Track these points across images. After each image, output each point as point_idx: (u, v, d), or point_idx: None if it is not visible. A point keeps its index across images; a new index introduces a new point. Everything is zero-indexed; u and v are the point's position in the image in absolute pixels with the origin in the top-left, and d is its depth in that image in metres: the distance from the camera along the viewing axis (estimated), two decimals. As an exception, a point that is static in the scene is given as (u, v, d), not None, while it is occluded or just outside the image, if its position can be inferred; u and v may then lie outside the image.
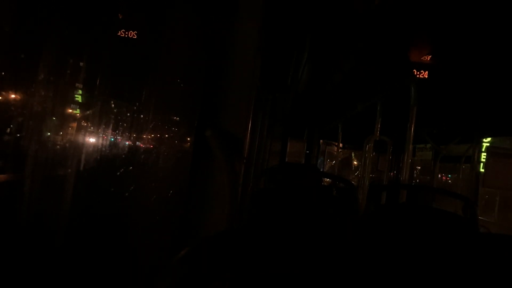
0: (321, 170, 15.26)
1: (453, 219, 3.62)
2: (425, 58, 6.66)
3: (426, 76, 6.66)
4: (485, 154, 9.09)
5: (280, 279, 2.34)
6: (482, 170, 9.01)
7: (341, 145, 13.47)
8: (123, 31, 5.99)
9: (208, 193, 1.75)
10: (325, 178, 9.79)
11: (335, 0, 4.64)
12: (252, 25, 1.89)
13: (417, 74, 6.55)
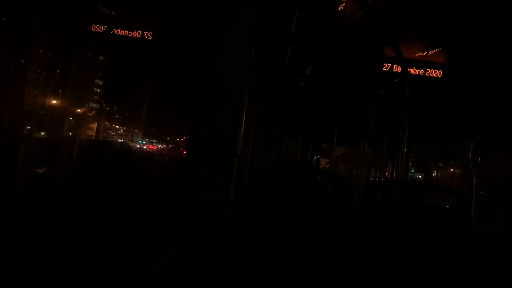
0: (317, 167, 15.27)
1: (448, 216, 3.64)
2: (419, 55, 6.69)
3: (421, 73, 6.69)
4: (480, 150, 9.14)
5: (276, 275, 2.35)
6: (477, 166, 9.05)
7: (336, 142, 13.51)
8: (120, 31, 6.10)
9: (201, 190, 1.75)
10: (320, 176, 9.78)
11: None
12: (246, 24, 1.89)
13: (411, 71, 6.57)
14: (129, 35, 5.69)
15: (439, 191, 5.88)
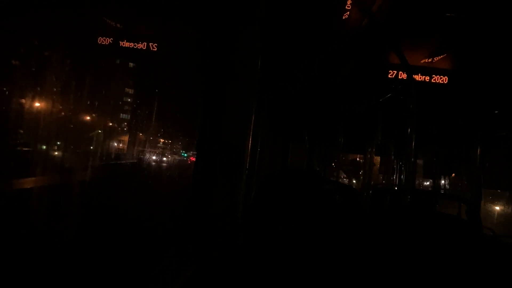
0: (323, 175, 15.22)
1: (456, 222, 3.62)
2: (425, 61, 6.68)
3: (427, 80, 6.69)
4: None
5: (286, 282, 2.34)
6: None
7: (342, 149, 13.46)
8: (126, 42, 6.19)
9: (210, 200, 1.75)
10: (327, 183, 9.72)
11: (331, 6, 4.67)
12: (253, 34, 1.90)
13: (417, 77, 6.57)
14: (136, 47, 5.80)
15: (447, 198, 5.85)
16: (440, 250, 3.06)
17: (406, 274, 2.94)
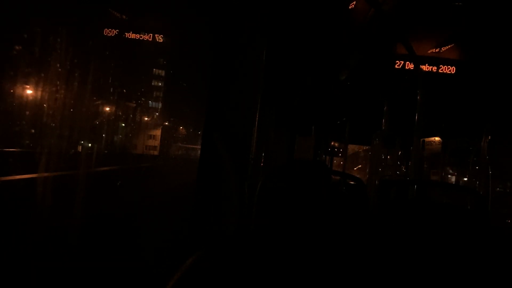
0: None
1: (464, 214, 3.60)
2: (432, 51, 6.63)
3: (434, 70, 6.64)
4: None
5: (288, 277, 2.34)
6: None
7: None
8: (131, 33, 6.21)
9: (216, 192, 1.76)
10: (334, 175, 9.70)
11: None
12: (257, 24, 1.89)
13: (424, 68, 6.53)
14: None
15: (454, 189, 5.82)
16: (448, 242, 3.04)
17: (415, 266, 2.93)
